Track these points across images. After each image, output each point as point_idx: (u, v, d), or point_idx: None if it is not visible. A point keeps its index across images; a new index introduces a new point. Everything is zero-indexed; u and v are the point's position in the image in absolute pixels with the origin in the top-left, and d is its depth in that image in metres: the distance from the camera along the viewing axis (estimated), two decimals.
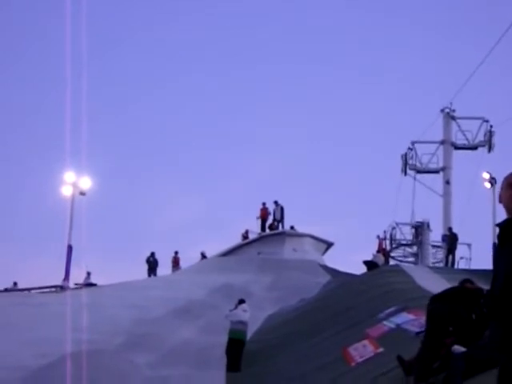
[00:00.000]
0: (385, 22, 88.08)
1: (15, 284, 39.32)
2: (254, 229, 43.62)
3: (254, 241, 43.13)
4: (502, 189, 4.62)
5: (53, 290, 37.08)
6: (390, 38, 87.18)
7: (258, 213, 43.18)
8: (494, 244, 31.14)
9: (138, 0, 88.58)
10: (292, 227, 43.26)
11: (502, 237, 4.48)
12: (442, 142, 42.39)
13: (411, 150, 42.71)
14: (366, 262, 30.38)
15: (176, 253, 43.70)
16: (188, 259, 44.20)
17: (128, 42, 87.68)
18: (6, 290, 37.82)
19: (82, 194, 39.85)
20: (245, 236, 44.04)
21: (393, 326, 15.01)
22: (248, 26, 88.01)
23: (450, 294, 9.44)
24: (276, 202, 42.66)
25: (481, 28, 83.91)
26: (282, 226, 42.87)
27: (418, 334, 11.57)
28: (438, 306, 9.21)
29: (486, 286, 9.69)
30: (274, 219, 42.84)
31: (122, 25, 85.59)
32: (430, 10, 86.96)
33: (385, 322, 15.82)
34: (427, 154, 42.68)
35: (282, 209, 42.68)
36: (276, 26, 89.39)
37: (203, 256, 43.75)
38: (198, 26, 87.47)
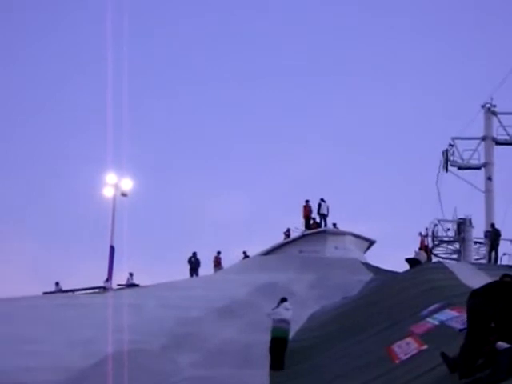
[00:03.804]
0: (424, 17, 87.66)
1: (57, 284, 39.48)
2: (300, 227, 43.64)
3: (295, 239, 43.14)
4: None
5: (96, 291, 37.39)
6: (429, 32, 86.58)
7: (301, 211, 43.30)
8: None
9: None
10: (334, 225, 43.22)
11: None
12: (484, 138, 42.05)
13: (452, 146, 42.41)
14: (408, 260, 30.23)
15: (218, 253, 43.74)
16: (230, 259, 44.35)
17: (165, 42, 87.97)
18: (52, 292, 38.07)
19: (124, 195, 40.20)
20: (287, 234, 44.05)
21: (436, 322, 14.91)
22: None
23: (490, 288, 9.34)
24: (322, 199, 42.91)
25: None
26: (316, 222, 42.96)
27: (461, 330, 11.47)
28: (478, 300, 9.11)
29: None
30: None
31: (165, 17, 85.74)
32: (467, 2, 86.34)
33: (428, 319, 15.72)
34: (468, 150, 42.40)
35: (319, 205, 42.77)
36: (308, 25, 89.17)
37: (245, 255, 43.80)
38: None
